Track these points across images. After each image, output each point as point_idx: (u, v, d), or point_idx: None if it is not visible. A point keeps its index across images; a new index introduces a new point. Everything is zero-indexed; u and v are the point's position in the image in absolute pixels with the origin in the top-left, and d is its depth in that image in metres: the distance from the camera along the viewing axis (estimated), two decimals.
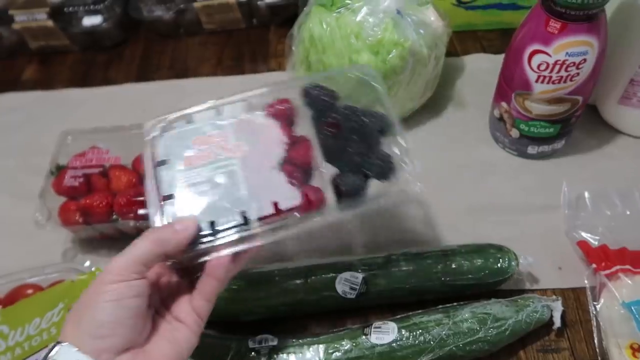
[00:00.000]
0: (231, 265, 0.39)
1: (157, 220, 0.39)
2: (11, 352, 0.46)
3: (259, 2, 0.82)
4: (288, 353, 0.47)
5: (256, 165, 0.41)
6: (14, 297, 0.50)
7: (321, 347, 0.47)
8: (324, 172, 0.41)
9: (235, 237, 0.38)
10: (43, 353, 0.34)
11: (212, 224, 0.38)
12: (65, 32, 0.81)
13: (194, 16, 0.83)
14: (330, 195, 0.40)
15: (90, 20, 0.81)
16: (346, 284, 0.50)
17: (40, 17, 0.80)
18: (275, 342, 0.48)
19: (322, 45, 0.61)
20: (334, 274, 0.50)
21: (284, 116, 0.44)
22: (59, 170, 0.58)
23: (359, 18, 0.60)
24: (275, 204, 0.39)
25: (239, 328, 0.51)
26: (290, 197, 0.40)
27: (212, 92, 0.75)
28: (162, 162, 0.41)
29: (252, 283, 0.51)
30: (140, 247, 0.36)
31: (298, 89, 0.45)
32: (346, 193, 0.41)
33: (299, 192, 0.40)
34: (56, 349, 0.34)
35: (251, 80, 0.77)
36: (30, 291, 0.50)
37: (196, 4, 0.81)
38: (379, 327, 0.47)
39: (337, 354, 0.46)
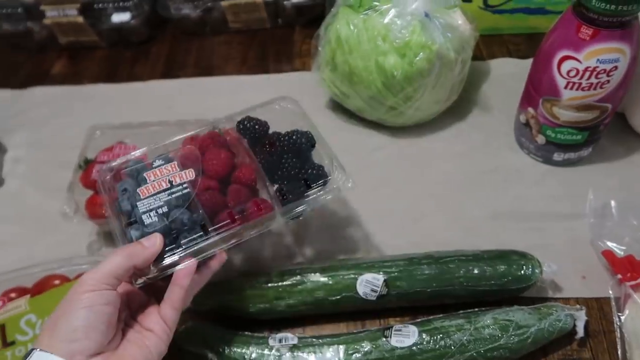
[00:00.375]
0: (196, 276, 0.43)
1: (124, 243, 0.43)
2: None
3: (285, 2, 0.82)
4: (308, 352, 0.47)
5: (205, 186, 0.46)
6: (42, 287, 0.51)
7: (341, 347, 0.47)
8: (269, 188, 0.47)
9: (197, 247, 0.43)
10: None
11: (176, 238, 0.43)
12: (94, 28, 0.83)
13: (221, 15, 0.84)
14: (276, 202, 0.46)
15: (119, 17, 0.82)
16: (367, 285, 0.50)
17: (71, 13, 0.81)
18: (295, 341, 0.48)
19: (349, 46, 0.61)
20: (355, 276, 0.50)
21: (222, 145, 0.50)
22: (87, 164, 0.59)
23: (386, 20, 0.60)
24: (230, 214, 0.45)
25: (260, 326, 0.51)
26: (242, 208, 0.46)
27: (236, 90, 0.77)
28: (122, 195, 0.46)
29: (273, 282, 0.51)
30: (111, 262, 0.39)
31: (234, 122, 0.52)
32: (290, 199, 0.46)
33: (249, 203, 0.46)
34: (32, 355, 0.36)
35: (275, 80, 0.78)
36: (57, 282, 0.51)
37: (223, 3, 0.82)
38: (400, 330, 0.47)
39: (357, 355, 0.46)
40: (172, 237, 0.43)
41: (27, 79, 0.82)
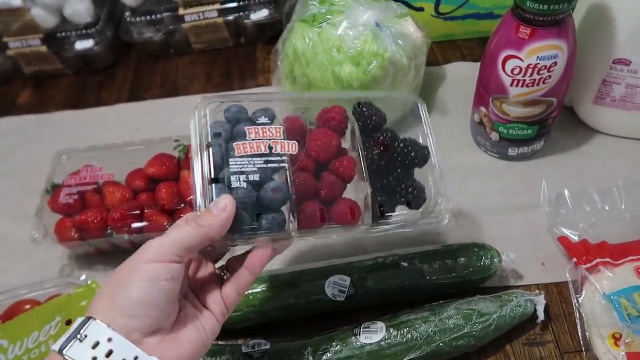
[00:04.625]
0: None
1: (201, 203, 0.38)
2: None
3: (245, 21, 0.84)
4: (280, 356, 0.48)
5: (302, 166, 0.42)
6: (12, 312, 0.51)
7: (312, 349, 0.48)
8: (368, 197, 0.44)
9: (278, 234, 0.39)
10: (73, 326, 0.33)
11: (258, 216, 0.39)
12: (59, 56, 0.84)
13: (183, 37, 0.86)
14: (371, 214, 0.43)
15: (82, 44, 0.83)
16: (335, 287, 0.51)
17: (34, 43, 0.82)
18: (267, 346, 0.49)
19: (306, 59, 0.64)
20: (322, 278, 0.52)
21: (336, 125, 0.45)
22: (54, 189, 0.60)
23: (339, 31, 0.62)
24: (322, 210, 0.41)
25: (233, 334, 0.52)
26: (334, 207, 0.42)
27: None
28: (214, 140, 0.40)
29: None
30: (182, 232, 0.35)
31: (350, 103, 0.46)
32: (386, 217, 0.43)
33: (340, 203, 0.42)
34: (89, 324, 0.33)
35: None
36: (28, 306, 0.51)
37: (185, 25, 0.84)
38: (368, 327, 0.49)
39: (328, 354, 0.47)
40: (256, 213, 0.38)
41: None
